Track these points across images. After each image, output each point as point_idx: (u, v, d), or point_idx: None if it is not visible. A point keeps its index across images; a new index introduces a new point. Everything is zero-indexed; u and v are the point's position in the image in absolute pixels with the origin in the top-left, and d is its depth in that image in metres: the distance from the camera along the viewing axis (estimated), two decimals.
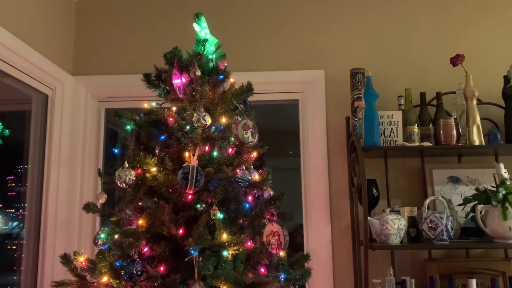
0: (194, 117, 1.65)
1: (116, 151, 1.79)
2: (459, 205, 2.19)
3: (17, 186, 2.45)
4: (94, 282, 1.61)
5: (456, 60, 2.26)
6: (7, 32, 2.06)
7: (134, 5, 2.72)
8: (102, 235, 1.64)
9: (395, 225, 2.02)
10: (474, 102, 2.21)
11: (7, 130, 2.30)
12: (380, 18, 2.61)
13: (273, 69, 2.58)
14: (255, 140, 1.80)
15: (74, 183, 2.55)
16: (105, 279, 1.54)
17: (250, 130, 1.79)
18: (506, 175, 2.08)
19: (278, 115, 3.02)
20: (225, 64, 1.93)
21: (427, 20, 2.58)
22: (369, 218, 2.07)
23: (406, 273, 2.25)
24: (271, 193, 1.80)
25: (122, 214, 1.65)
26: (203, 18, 1.91)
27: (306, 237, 2.47)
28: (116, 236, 1.62)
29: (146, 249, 1.54)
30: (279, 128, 2.95)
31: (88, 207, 1.72)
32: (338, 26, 2.62)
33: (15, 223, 2.44)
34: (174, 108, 1.78)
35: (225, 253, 1.52)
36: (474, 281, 1.93)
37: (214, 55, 1.90)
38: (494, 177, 2.12)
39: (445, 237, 2.00)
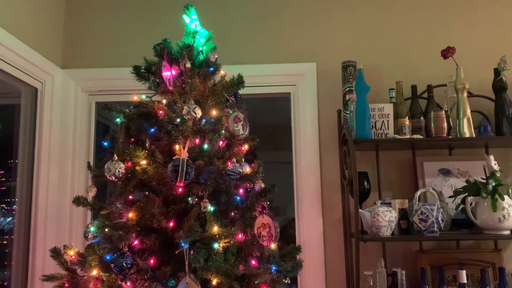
0: (184, 110, 1.64)
1: (105, 144, 1.77)
2: (450, 197, 2.21)
3: (7, 181, 2.43)
4: (85, 276, 1.60)
5: (447, 53, 2.27)
6: None
7: None
8: (92, 229, 1.63)
9: (386, 217, 2.03)
10: (465, 94, 2.21)
11: None
12: (371, 11, 2.61)
13: (264, 62, 2.57)
14: (246, 133, 1.80)
15: (64, 177, 2.53)
16: (95, 272, 1.53)
17: (241, 122, 1.79)
18: (496, 167, 2.09)
19: (270, 108, 3.01)
20: (216, 56, 1.92)
21: (418, 12, 2.59)
22: (360, 210, 2.07)
23: (397, 264, 2.26)
24: (262, 185, 1.80)
25: (112, 207, 1.65)
26: (193, 10, 1.90)
27: (298, 229, 2.48)
28: (106, 229, 1.61)
29: (136, 242, 1.54)
30: (270, 121, 2.94)
31: (78, 201, 1.71)
32: (330, 19, 2.61)
33: (5, 218, 2.42)
34: (164, 101, 1.77)
35: (216, 245, 1.52)
36: (464, 272, 1.94)
37: (204, 47, 1.89)
38: (484, 169, 2.14)
39: (435, 229, 2.02)
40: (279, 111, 2.83)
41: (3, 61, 2.17)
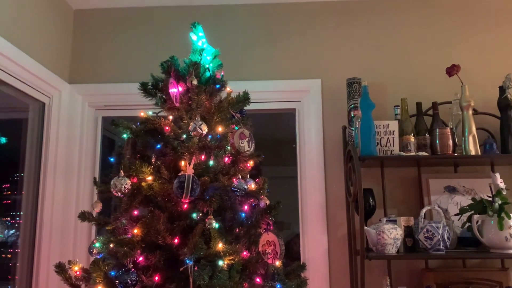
0: (190, 126, 1.65)
1: (112, 159, 1.78)
2: (456, 214, 2.19)
3: (12, 194, 2.44)
4: None
5: (451, 71, 2.28)
6: (4, 40, 2.07)
7: (132, 14, 2.73)
8: (97, 244, 1.63)
9: (391, 235, 2.02)
10: (470, 112, 2.22)
11: (3, 138, 2.30)
12: (376, 29, 2.63)
13: (270, 78, 2.59)
14: (252, 149, 1.81)
15: (70, 191, 2.54)
16: None
17: (247, 139, 1.79)
18: (502, 185, 2.08)
19: (275, 124, 3.02)
20: (222, 73, 1.93)
21: (423, 30, 2.60)
22: (365, 227, 2.06)
23: (402, 283, 2.24)
24: (267, 202, 1.80)
25: (118, 223, 1.65)
26: (200, 28, 1.92)
27: (303, 246, 2.46)
28: (111, 245, 1.61)
29: (141, 259, 1.53)
30: (276, 136, 2.95)
31: (84, 216, 1.71)
32: (335, 36, 2.64)
33: (10, 231, 2.43)
34: (170, 117, 1.79)
35: (220, 262, 1.51)
36: None
37: (211, 65, 1.90)
38: (490, 187, 2.13)
39: (441, 247, 2.00)
40: (284, 126, 2.84)
41: (12, 76, 2.20)
